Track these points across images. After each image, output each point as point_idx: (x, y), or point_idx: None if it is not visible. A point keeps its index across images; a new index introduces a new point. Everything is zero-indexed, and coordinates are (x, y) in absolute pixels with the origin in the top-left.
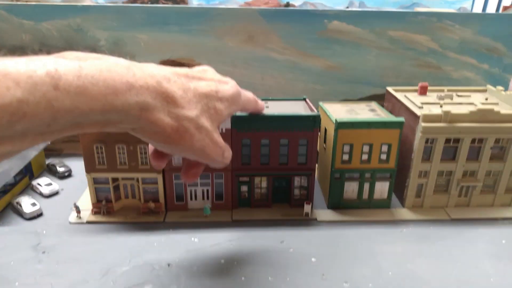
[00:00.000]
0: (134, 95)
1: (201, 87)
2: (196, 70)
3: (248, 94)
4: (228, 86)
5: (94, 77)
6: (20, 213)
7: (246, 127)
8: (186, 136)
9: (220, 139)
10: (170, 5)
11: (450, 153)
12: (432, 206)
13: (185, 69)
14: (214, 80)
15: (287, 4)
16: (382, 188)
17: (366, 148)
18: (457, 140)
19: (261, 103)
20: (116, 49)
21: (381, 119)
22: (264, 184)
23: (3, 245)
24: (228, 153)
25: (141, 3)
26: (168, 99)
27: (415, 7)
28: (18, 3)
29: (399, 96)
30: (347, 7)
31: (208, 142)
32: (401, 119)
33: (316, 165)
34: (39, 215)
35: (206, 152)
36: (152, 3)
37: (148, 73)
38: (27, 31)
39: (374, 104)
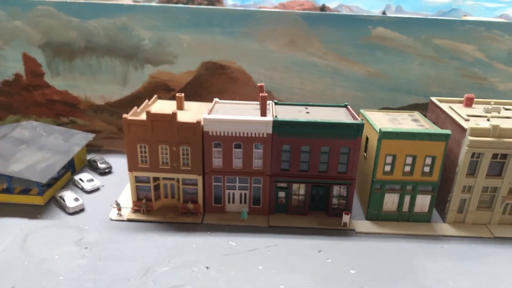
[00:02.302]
0: None
1: None
2: None
3: None
4: None
5: None
6: (63, 207)
7: (287, 133)
8: None
9: None
10: (213, 7)
11: (496, 169)
12: (474, 222)
13: None
14: None
15: (323, 6)
16: (423, 201)
17: (409, 160)
18: (504, 156)
19: None
20: (159, 49)
21: (427, 130)
22: (302, 191)
23: (47, 239)
24: None
25: (176, 2)
26: None
27: (455, 12)
28: (67, 0)
29: (444, 107)
30: (384, 11)
31: None
32: (447, 131)
33: None
34: (81, 210)
35: None
36: (186, 3)
37: None
38: (74, 28)
39: (417, 114)
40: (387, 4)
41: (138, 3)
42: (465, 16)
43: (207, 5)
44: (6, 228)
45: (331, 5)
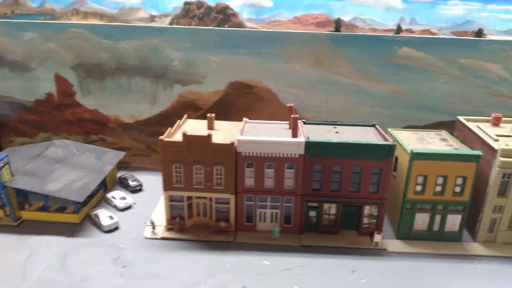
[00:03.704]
0: None
1: None
2: None
3: None
4: None
5: None
6: (97, 225)
7: (319, 153)
8: None
9: None
10: (241, 29)
11: None
12: (505, 242)
13: None
14: None
15: (338, 20)
16: (453, 221)
17: (440, 180)
18: None
19: None
20: (188, 70)
21: (458, 151)
22: (333, 210)
23: (86, 257)
24: None
25: (192, 17)
26: None
27: (470, 24)
28: (99, 23)
29: (472, 126)
30: (399, 24)
31: None
32: (478, 152)
33: None
34: (115, 228)
35: None
36: (199, 19)
37: None
38: (106, 49)
39: (444, 133)
40: (401, 17)
41: (168, 26)
42: (481, 29)
43: (221, 20)
44: (45, 246)
45: (346, 18)
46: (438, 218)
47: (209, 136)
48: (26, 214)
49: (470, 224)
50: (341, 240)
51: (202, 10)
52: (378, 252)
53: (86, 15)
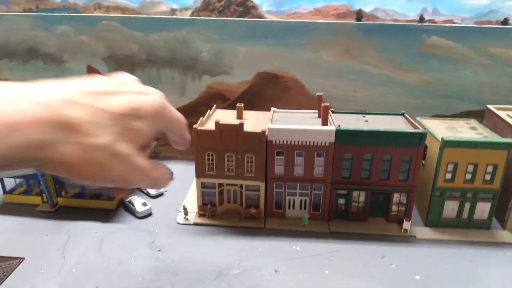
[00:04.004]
0: (21, 135)
1: (117, 105)
2: (113, 82)
3: (176, 114)
4: (151, 100)
5: None
6: (132, 212)
7: (349, 141)
8: (98, 168)
9: (142, 162)
10: (269, 20)
11: None
12: None
13: (98, 82)
14: (134, 93)
15: (359, 11)
16: (483, 209)
17: (470, 168)
18: None
19: (189, 137)
20: (216, 60)
21: (489, 139)
22: (362, 198)
23: (122, 241)
24: (158, 174)
25: (212, 10)
26: (70, 129)
27: (494, 13)
28: (131, 16)
29: (502, 114)
30: (421, 14)
31: (127, 169)
32: (510, 140)
33: None
34: (149, 214)
35: (126, 180)
36: (220, 12)
37: (42, 101)
38: (137, 41)
39: (474, 122)
40: (424, 7)
41: (197, 18)
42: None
43: (241, 12)
44: (82, 231)
45: (367, 9)
46: (467, 205)
47: (241, 124)
48: (62, 201)
49: (500, 212)
50: (370, 227)
51: (222, 3)
52: (407, 239)
53: (108, 9)
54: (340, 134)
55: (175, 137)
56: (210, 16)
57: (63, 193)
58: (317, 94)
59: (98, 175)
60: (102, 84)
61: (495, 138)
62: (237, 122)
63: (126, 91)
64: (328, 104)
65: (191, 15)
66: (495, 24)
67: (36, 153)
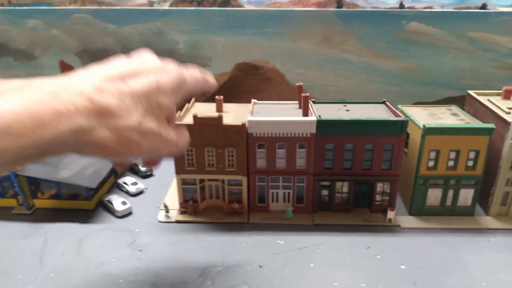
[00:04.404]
0: (64, 122)
1: (139, 86)
2: (133, 63)
3: (194, 73)
4: (168, 74)
5: (17, 113)
6: (111, 211)
7: (331, 132)
8: (131, 146)
9: (169, 133)
10: (247, 9)
11: None
12: None
13: (121, 66)
14: (153, 71)
15: (340, 0)
16: (466, 195)
17: (452, 155)
18: None
19: (212, 80)
20: (194, 52)
21: (471, 125)
22: (345, 189)
23: (102, 242)
24: (183, 140)
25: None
26: (104, 114)
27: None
28: (103, 8)
29: (483, 100)
30: (401, 1)
31: (157, 143)
32: (491, 125)
33: None
34: (129, 213)
35: (157, 152)
36: (199, 3)
37: (76, 91)
38: (110, 34)
39: (455, 108)
40: None
41: (173, 8)
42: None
43: (221, 3)
44: (60, 233)
45: None
46: (450, 193)
47: (220, 117)
48: (39, 202)
49: (483, 198)
50: (354, 218)
51: None
52: (391, 228)
53: (83, 2)
54: (321, 124)
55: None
56: (190, 7)
57: (39, 195)
58: (297, 84)
59: (132, 152)
60: (124, 67)
61: (476, 124)
62: (216, 115)
63: (145, 71)
64: (308, 94)
65: (169, 7)
66: (474, 9)
67: (77, 138)
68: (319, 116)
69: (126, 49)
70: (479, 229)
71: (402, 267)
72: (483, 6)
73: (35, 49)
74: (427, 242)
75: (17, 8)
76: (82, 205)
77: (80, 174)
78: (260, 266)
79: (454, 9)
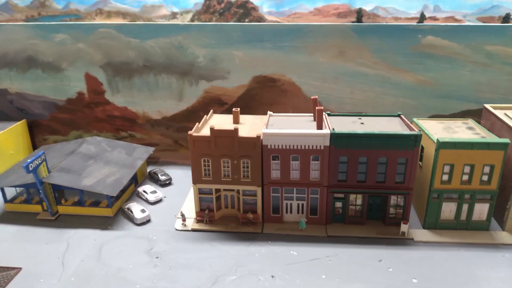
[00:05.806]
0: None
1: None
2: None
3: None
4: None
5: None
6: (130, 219)
7: (344, 145)
8: None
9: None
10: (264, 23)
11: None
12: None
13: None
14: None
15: (359, 10)
16: (481, 210)
17: (467, 169)
18: None
19: None
20: (213, 65)
21: (485, 140)
22: (359, 201)
23: (120, 249)
24: None
25: (213, 12)
26: None
27: (496, 9)
28: (126, 23)
29: (499, 114)
30: (422, 12)
31: None
32: (506, 140)
33: None
34: (148, 221)
35: None
36: (220, 14)
37: None
38: (133, 48)
39: (471, 122)
40: (425, 4)
41: (193, 23)
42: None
43: (242, 14)
44: (82, 239)
45: (367, 7)
46: (465, 207)
47: (236, 130)
48: (62, 209)
49: (498, 213)
50: (367, 230)
51: (222, 5)
52: (404, 241)
53: (109, 14)
54: (335, 137)
55: None
56: (211, 18)
57: (62, 201)
58: (312, 97)
59: None
60: None
61: (491, 138)
62: (232, 127)
63: None
64: (322, 107)
65: (191, 18)
66: (497, 20)
67: None
68: (333, 129)
69: (148, 62)
70: (494, 244)
71: (414, 280)
72: (507, 16)
73: (62, 61)
74: (440, 257)
75: (46, 23)
76: (103, 212)
77: (102, 183)
78: (273, 276)
79: (477, 19)
